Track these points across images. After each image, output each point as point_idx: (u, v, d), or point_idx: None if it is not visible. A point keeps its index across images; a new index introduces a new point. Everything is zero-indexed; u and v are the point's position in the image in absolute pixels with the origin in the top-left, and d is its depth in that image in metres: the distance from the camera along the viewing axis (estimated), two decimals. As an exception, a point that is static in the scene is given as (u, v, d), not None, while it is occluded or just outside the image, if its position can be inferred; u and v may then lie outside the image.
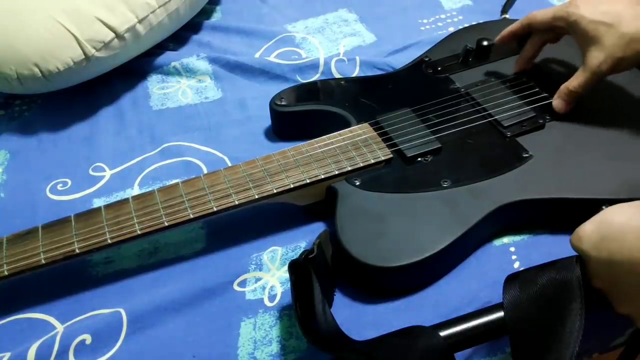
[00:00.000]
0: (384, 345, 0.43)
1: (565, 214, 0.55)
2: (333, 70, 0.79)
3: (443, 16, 0.90)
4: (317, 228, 0.59)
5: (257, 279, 0.55)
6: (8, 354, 0.50)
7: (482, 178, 0.56)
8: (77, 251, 0.50)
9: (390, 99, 0.67)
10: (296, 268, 0.47)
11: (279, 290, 0.54)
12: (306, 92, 0.70)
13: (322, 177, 0.56)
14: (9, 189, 0.65)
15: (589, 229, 0.43)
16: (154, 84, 0.79)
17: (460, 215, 0.53)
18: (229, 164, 0.66)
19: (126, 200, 0.54)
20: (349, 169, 0.57)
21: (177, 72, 0.80)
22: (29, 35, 0.66)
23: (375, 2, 0.94)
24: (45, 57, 0.67)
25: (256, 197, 0.54)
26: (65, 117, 0.74)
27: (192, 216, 0.52)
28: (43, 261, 0.50)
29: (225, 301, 0.53)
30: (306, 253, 0.47)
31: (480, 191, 0.55)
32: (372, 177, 0.57)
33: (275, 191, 0.54)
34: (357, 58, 0.80)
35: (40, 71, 0.67)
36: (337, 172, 0.56)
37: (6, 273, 0.49)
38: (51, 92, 0.73)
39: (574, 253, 0.45)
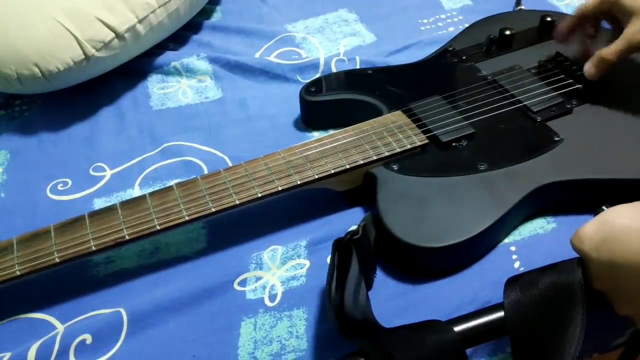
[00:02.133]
0: (396, 336, 0.44)
1: (599, 195, 0.56)
2: (333, 70, 0.79)
3: (443, 16, 0.90)
4: (317, 227, 0.59)
5: (258, 278, 0.55)
6: (8, 354, 0.50)
7: (517, 161, 0.58)
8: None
9: (418, 87, 0.68)
10: (340, 246, 0.47)
11: (279, 290, 0.54)
12: (336, 81, 0.71)
13: (361, 162, 0.57)
14: (9, 189, 0.66)
15: (590, 231, 0.43)
16: (154, 84, 0.79)
17: (499, 197, 0.54)
18: (230, 164, 0.66)
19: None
20: (387, 154, 0.58)
21: (177, 72, 0.80)
22: (29, 35, 0.66)
23: (375, 2, 0.94)
24: (45, 57, 0.67)
25: (298, 182, 0.56)
26: (65, 117, 0.74)
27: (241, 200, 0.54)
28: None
29: (225, 301, 0.53)
30: (351, 233, 0.48)
31: (516, 173, 0.57)
32: (409, 162, 0.58)
33: (316, 177, 0.56)
34: (357, 58, 0.80)
35: (40, 71, 0.67)
36: (375, 158, 0.58)
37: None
38: (51, 92, 0.73)
39: (575, 253, 0.45)
